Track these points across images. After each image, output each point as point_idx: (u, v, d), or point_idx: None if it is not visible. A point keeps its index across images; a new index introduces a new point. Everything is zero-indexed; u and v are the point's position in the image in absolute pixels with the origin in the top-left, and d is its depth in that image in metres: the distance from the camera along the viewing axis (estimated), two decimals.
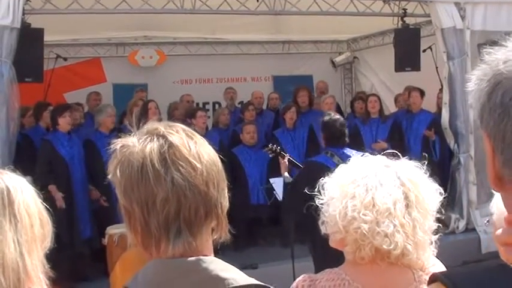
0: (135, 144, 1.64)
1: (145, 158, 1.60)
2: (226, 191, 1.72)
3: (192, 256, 1.61)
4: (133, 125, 1.70)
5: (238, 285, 1.61)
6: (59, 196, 8.51)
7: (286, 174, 7.08)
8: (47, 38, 9.16)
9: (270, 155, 7.45)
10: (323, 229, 2.49)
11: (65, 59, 12.13)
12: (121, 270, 7.72)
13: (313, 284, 2.47)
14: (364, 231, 2.36)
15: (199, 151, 1.65)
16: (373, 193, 2.36)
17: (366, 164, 2.50)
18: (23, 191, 2.14)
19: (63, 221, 8.69)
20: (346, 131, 7.00)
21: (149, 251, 1.65)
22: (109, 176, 1.68)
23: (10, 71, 8.03)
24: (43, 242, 2.14)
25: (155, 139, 1.63)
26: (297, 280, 2.53)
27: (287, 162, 7.21)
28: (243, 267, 8.21)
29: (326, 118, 7.07)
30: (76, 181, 8.86)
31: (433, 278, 1.38)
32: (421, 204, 2.40)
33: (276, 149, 7.32)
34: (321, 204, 2.49)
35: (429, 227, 2.42)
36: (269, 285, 1.66)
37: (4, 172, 2.21)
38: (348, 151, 6.40)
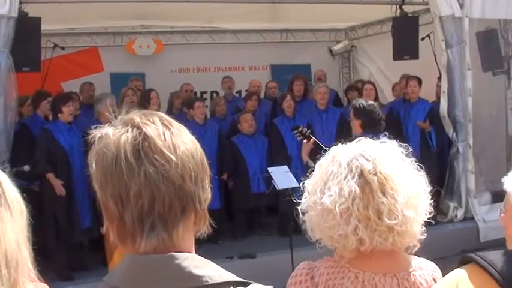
0: (110, 135, 1.59)
1: (119, 150, 1.55)
2: (207, 183, 1.65)
3: (166, 252, 1.56)
4: (110, 114, 1.65)
5: (213, 283, 1.55)
6: (57, 183, 8.50)
7: (308, 159, 6.76)
8: (44, 27, 9.14)
9: (298, 138, 7.10)
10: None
11: (63, 48, 12.14)
12: (119, 259, 7.72)
13: (311, 272, 2.46)
14: (328, 237, 2.37)
15: (176, 142, 1.58)
16: (330, 198, 2.34)
17: (326, 162, 2.48)
18: (7, 181, 2.10)
19: (63, 211, 8.70)
20: (384, 116, 6.83)
21: (126, 246, 1.60)
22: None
23: (7, 60, 8.02)
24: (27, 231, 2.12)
25: (130, 130, 1.57)
26: (297, 268, 2.52)
27: (312, 145, 6.84)
28: (241, 257, 8.27)
29: (360, 104, 6.88)
30: (75, 171, 8.84)
31: (467, 259, 1.35)
32: (390, 184, 2.34)
33: (305, 132, 6.97)
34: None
35: (408, 202, 2.35)
36: (249, 281, 1.61)
37: None
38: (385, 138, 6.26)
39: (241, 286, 1.60)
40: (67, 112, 8.83)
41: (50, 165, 8.63)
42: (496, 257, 1.23)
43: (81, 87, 11.52)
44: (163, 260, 1.55)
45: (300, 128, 7.05)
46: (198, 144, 1.66)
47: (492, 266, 1.21)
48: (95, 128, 1.64)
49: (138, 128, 1.58)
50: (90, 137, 1.62)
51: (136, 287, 1.56)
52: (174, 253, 1.56)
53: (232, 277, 1.60)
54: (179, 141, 1.60)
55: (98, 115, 9.60)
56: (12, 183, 2.08)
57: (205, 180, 1.65)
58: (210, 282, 1.55)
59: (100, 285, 1.65)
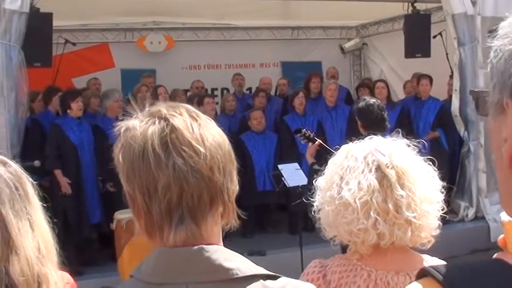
0: (137, 127, 1.57)
1: (146, 142, 1.54)
2: (234, 174, 1.64)
3: (195, 244, 1.55)
4: (136, 107, 1.63)
5: (243, 275, 1.55)
6: (63, 181, 8.54)
7: (313, 160, 6.65)
8: (56, 23, 9.14)
9: (303, 141, 7.01)
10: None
11: (74, 44, 12.15)
12: (129, 255, 7.73)
13: (324, 270, 2.45)
14: (347, 232, 2.35)
15: (203, 134, 1.57)
16: (349, 192, 2.33)
17: (341, 158, 2.47)
18: (28, 179, 2.10)
19: (72, 206, 8.72)
20: (386, 115, 6.60)
21: (153, 239, 1.59)
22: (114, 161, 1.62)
23: (19, 56, 8.04)
24: None
25: (157, 122, 1.56)
26: (308, 266, 2.52)
27: (318, 147, 6.70)
28: (251, 254, 8.26)
29: (361, 104, 6.68)
30: (85, 166, 8.88)
31: (423, 273, 1.33)
32: (407, 177, 2.35)
33: (309, 135, 6.82)
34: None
35: (425, 196, 2.36)
36: (279, 275, 1.61)
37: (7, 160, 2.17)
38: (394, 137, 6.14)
39: (270, 279, 1.59)
40: (76, 108, 8.87)
41: (58, 161, 8.67)
42: (454, 269, 1.22)
43: (87, 84, 11.62)
44: (193, 252, 1.54)
45: (303, 131, 6.89)
46: (225, 136, 1.65)
47: (445, 278, 1.19)
48: (121, 120, 1.63)
49: (166, 119, 1.57)
50: (116, 129, 1.61)
51: (166, 280, 1.55)
52: (204, 246, 1.55)
53: (261, 270, 1.59)
54: (207, 133, 1.59)
55: (105, 110, 9.63)
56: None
57: (233, 171, 1.64)
58: (240, 275, 1.54)
59: (129, 281, 1.65)
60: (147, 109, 1.62)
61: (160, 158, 1.53)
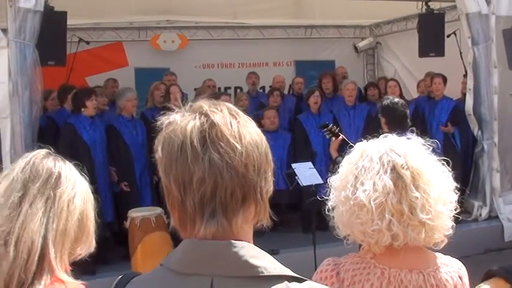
0: (178, 121, 1.61)
1: (185, 136, 1.57)
2: (270, 175, 1.66)
3: (225, 239, 1.57)
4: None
5: (268, 274, 1.56)
6: None
7: (337, 154, 6.80)
8: (70, 21, 9.16)
9: (327, 136, 7.20)
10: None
11: (88, 43, 12.19)
12: (142, 253, 7.76)
13: (337, 268, 2.45)
14: (361, 233, 2.35)
15: (241, 132, 1.59)
16: (364, 193, 2.33)
17: (356, 157, 2.47)
18: (75, 187, 2.15)
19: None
20: (408, 112, 6.99)
21: (185, 231, 1.62)
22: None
23: (33, 54, 8.06)
24: (75, 244, 2.14)
25: (197, 117, 1.59)
26: (322, 264, 2.52)
27: (341, 142, 6.99)
28: None
29: (386, 102, 7.04)
30: (98, 165, 8.88)
31: (491, 274, 1.33)
32: (422, 179, 2.34)
33: (334, 129, 7.10)
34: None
35: (439, 197, 2.35)
36: (305, 278, 1.62)
37: (67, 163, 2.26)
38: (410, 135, 6.25)
39: (296, 282, 1.60)
40: (91, 106, 8.87)
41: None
42: None
43: (105, 84, 11.58)
44: (221, 246, 1.56)
45: (330, 126, 7.15)
46: (263, 136, 1.66)
47: None
48: (163, 114, 1.66)
49: (206, 115, 1.59)
50: (159, 123, 1.64)
51: (192, 271, 1.57)
52: (232, 241, 1.57)
53: (287, 271, 1.60)
54: (245, 131, 1.60)
55: (119, 110, 9.62)
56: (85, 196, 2.14)
57: (268, 172, 1.65)
58: (265, 273, 1.56)
59: (157, 269, 1.67)
60: (190, 105, 1.65)
61: (198, 152, 1.55)
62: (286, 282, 1.58)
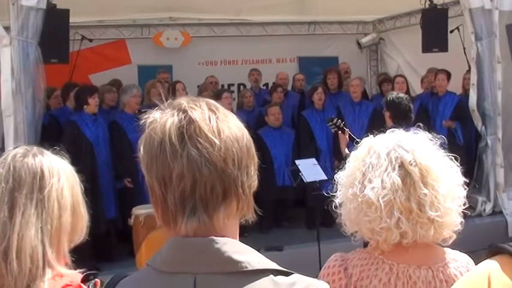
0: (157, 119, 1.61)
1: (164, 133, 1.57)
2: (252, 169, 1.65)
3: (207, 236, 1.56)
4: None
5: (252, 269, 1.55)
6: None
7: (346, 150, 6.93)
8: (73, 19, 9.17)
9: (333, 130, 7.38)
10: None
11: (90, 41, 12.20)
12: (147, 250, 7.75)
13: (345, 263, 2.44)
14: (369, 230, 2.35)
15: (220, 126, 1.59)
16: (372, 190, 2.32)
17: (363, 154, 2.45)
18: (61, 178, 2.14)
19: (87, 202, 8.75)
20: (412, 106, 7.15)
21: (169, 227, 1.62)
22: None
23: (36, 52, 8.06)
24: (72, 233, 2.14)
25: (176, 114, 1.59)
26: (329, 259, 2.51)
27: (347, 138, 7.16)
28: (268, 250, 8.26)
29: (390, 97, 7.18)
30: (101, 162, 8.88)
31: (498, 250, 1.31)
32: (431, 175, 2.33)
33: (339, 124, 7.25)
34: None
35: (448, 193, 2.34)
36: (291, 271, 1.60)
37: (46, 153, 2.20)
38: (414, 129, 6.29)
39: (282, 275, 1.59)
40: (93, 103, 8.88)
41: (73, 158, 8.65)
42: None
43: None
44: (203, 243, 1.56)
45: (335, 120, 7.31)
46: (245, 130, 1.67)
47: None
48: (145, 112, 1.66)
49: (184, 111, 1.60)
50: (142, 121, 1.65)
51: (176, 269, 1.58)
52: (214, 237, 1.56)
53: (272, 265, 1.59)
54: (224, 126, 1.60)
55: (123, 106, 9.63)
56: (71, 181, 2.13)
57: (251, 166, 1.65)
58: (249, 268, 1.55)
59: (143, 270, 1.68)
60: (170, 102, 1.65)
61: (176, 148, 1.56)
62: (271, 276, 1.57)
